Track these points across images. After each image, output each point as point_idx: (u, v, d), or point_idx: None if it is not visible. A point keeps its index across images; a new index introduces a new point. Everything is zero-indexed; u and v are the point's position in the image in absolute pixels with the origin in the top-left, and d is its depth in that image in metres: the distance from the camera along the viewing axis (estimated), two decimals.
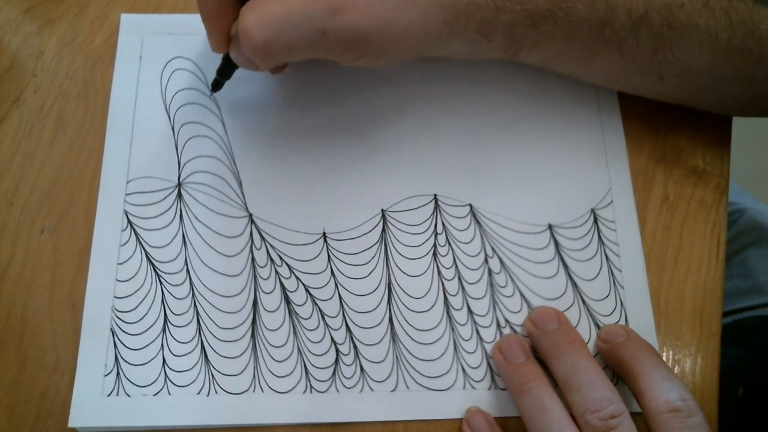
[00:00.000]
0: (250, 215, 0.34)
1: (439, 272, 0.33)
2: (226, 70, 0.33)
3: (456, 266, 0.33)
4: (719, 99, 0.35)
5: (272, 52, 0.28)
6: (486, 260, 0.34)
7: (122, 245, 0.32)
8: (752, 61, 0.32)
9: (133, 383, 0.30)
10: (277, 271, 0.33)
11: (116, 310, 0.31)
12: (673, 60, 0.32)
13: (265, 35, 0.27)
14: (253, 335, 0.32)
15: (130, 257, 0.32)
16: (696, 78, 0.33)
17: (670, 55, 0.32)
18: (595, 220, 0.35)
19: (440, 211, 0.34)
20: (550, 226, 0.34)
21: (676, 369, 0.33)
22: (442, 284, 0.33)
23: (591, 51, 0.33)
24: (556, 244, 0.34)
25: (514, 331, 0.33)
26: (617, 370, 0.31)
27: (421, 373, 0.32)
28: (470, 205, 0.35)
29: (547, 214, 0.35)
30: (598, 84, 0.36)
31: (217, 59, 0.36)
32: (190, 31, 0.37)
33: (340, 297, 0.33)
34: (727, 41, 0.31)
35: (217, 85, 0.34)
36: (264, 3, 0.27)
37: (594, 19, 0.31)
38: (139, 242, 0.33)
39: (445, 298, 0.33)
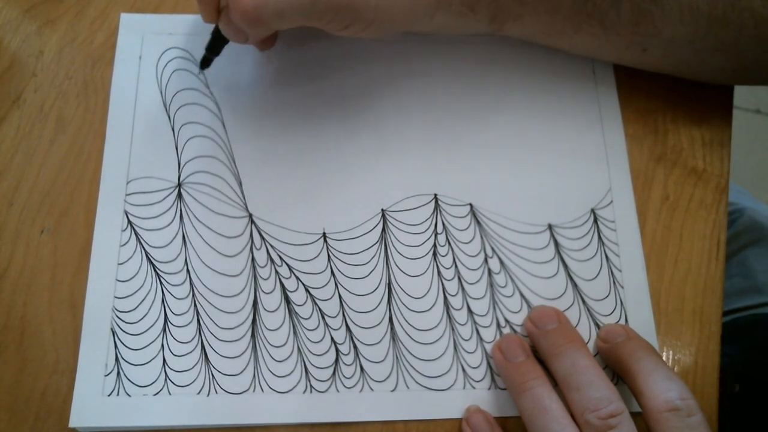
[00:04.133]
0: (250, 215, 0.34)
1: (439, 272, 0.33)
2: (215, 46, 0.33)
3: (456, 266, 0.33)
4: (704, 69, 0.36)
5: (262, 18, 0.28)
6: (486, 260, 0.34)
7: (122, 245, 0.32)
8: (733, 32, 0.32)
9: (133, 383, 0.30)
10: (277, 271, 0.33)
11: (116, 310, 0.31)
12: (654, 32, 0.33)
13: (255, 0, 0.27)
14: (253, 335, 0.32)
15: (130, 257, 0.32)
16: (679, 49, 0.34)
17: (652, 27, 0.33)
18: (595, 220, 0.35)
19: (440, 211, 0.34)
20: (550, 226, 0.34)
21: (676, 369, 0.33)
22: (442, 284, 0.33)
23: (573, 25, 0.33)
24: (556, 244, 0.34)
25: (514, 331, 0.33)
26: (617, 369, 0.31)
27: (421, 373, 0.32)
28: (470, 204, 0.35)
29: (547, 214, 0.35)
30: (584, 56, 0.37)
31: (218, 59, 0.36)
32: (190, 31, 0.37)
33: (340, 297, 0.33)
34: (708, 13, 0.32)
35: (206, 62, 0.34)
36: None
37: None
38: (139, 242, 0.33)
39: (445, 298, 0.33)
